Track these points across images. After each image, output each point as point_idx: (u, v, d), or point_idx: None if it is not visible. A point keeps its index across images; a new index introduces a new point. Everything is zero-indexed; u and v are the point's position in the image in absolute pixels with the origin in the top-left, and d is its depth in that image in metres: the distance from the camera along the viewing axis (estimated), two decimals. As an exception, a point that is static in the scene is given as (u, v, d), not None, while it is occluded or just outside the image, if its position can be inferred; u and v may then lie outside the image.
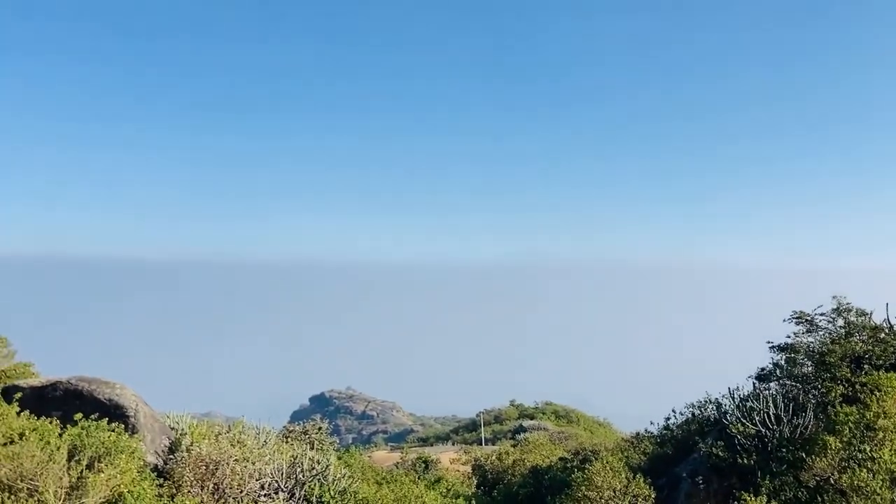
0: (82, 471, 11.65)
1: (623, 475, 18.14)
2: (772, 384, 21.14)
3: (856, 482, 15.37)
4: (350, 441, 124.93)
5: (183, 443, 15.33)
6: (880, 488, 15.04)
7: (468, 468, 36.99)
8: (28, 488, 10.73)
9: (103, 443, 12.43)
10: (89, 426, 12.81)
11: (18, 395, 13.77)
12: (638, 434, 28.18)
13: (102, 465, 11.91)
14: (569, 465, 26.78)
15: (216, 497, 14.23)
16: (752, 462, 17.83)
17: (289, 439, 25.02)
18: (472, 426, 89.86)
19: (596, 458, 23.21)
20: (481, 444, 66.37)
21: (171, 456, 15.00)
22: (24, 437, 11.89)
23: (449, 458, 42.88)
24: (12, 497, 10.33)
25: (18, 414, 12.88)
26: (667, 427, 25.33)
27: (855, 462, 16.28)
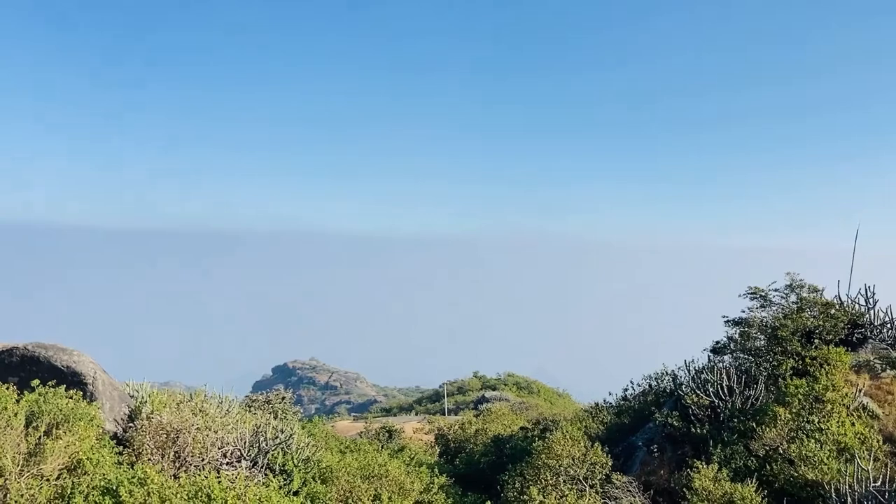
0: (40, 437, 11.52)
1: (582, 444, 18.55)
2: (726, 357, 21.76)
3: (804, 452, 15.97)
4: (313, 411, 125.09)
5: (143, 411, 15.21)
6: (827, 458, 15.66)
7: (431, 437, 37.44)
8: (-16, 455, 10.57)
9: (61, 409, 12.28)
10: (46, 393, 12.63)
11: (-28, 361, 13.49)
12: (597, 404, 28.77)
13: (60, 431, 11.78)
14: (529, 434, 27.27)
15: (177, 465, 14.18)
16: (704, 431, 18.40)
17: (252, 409, 24.98)
18: (436, 397, 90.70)
19: (556, 428, 23.69)
20: (444, 415, 67.11)
21: (131, 424, 14.88)
22: (-21, 404, 11.67)
23: (412, 428, 43.36)
24: (-33, 464, 10.18)
25: (-27, 380, 12.63)
26: (625, 398, 25.93)
27: (803, 433, 16.90)
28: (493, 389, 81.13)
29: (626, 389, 26.29)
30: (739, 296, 22.35)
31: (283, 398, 29.90)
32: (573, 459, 18.05)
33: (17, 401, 12.10)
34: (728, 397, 18.88)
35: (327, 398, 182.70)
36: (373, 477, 16.58)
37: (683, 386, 20.57)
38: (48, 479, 11.08)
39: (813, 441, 16.37)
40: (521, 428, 30.77)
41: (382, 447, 27.31)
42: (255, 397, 30.30)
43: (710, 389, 19.15)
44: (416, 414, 74.90)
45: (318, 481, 15.77)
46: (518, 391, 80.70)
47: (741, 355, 21.09)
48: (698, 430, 18.43)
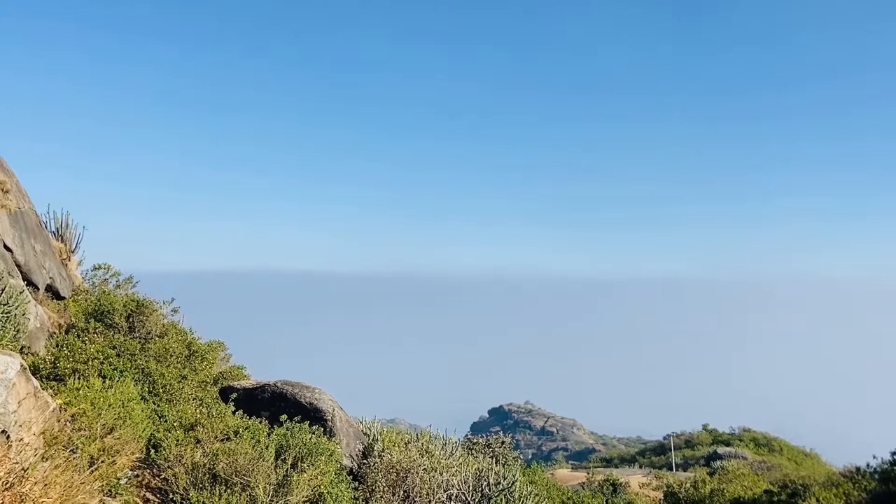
0: (287, 470, 12.35)
1: (844, 515, 16.01)
2: None
3: None
4: (529, 456, 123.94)
5: (375, 448, 15.85)
6: None
7: (659, 494, 34.98)
8: (241, 483, 11.54)
9: (305, 444, 13.11)
10: (293, 427, 13.60)
11: (234, 395, 15.01)
12: (858, 468, 24.97)
13: (305, 465, 12.55)
14: (775, 498, 24.31)
15: (406, 504, 14.49)
16: None
17: (472, 451, 25.13)
18: (661, 449, 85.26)
19: (807, 494, 20.84)
20: (672, 470, 62.75)
21: (365, 460, 15.55)
22: (238, 435, 12.86)
23: (638, 483, 40.92)
24: (228, 490, 11.15)
25: (234, 413, 14.01)
26: (893, 462, 22.23)
27: None
28: (727, 445, 74.23)
29: (894, 453, 22.55)
30: None
31: (503, 442, 29.76)
32: (835, 533, 15.59)
33: (268, 434, 13.16)
34: None
35: (543, 444, 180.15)
36: (600, 533, 15.65)
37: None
38: (294, 510, 11.79)
39: None
40: (766, 491, 27.54)
41: (607, 501, 25.94)
42: (475, 440, 30.51)
43: None
44: (641, 467, 70.73)
45: (543, 533, 15.19)
46: (756, 448, 73.06)
47: None
48: None
